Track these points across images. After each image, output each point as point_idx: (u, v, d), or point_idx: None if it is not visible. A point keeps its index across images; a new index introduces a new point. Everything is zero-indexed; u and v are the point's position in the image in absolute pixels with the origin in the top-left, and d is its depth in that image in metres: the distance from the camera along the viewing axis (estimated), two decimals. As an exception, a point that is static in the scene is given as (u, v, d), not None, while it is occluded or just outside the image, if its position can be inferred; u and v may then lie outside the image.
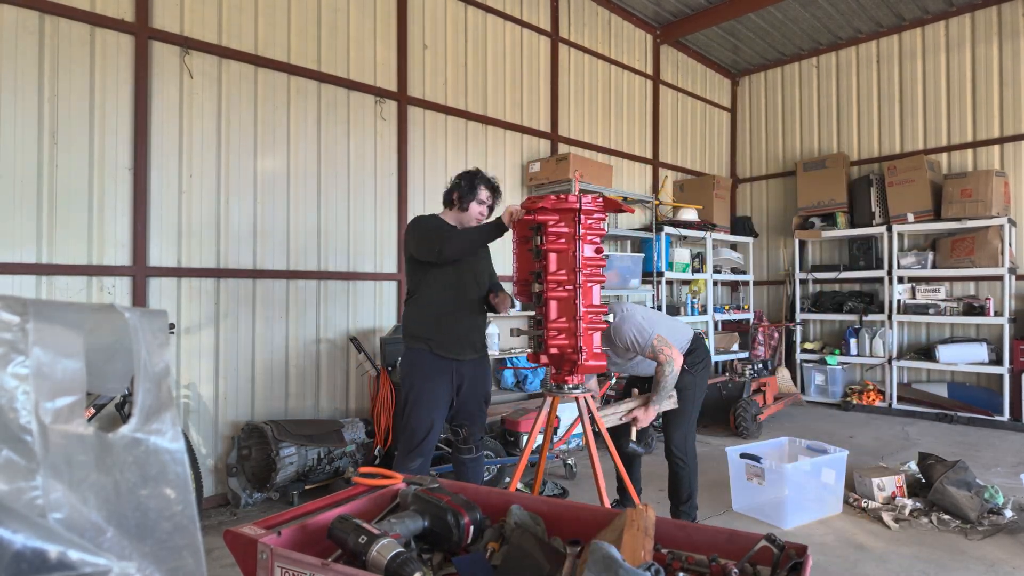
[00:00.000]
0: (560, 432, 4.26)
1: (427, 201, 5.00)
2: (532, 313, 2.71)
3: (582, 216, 2.56)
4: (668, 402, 3.11)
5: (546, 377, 3.66)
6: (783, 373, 6.92)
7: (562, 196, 2.54)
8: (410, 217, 4.85)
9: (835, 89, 7.57)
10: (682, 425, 3.23)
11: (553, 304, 2.57)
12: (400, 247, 4.80)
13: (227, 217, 3.92)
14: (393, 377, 4.14)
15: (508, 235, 2.78)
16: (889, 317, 6.63)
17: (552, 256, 2.55)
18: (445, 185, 3.16)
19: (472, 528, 1.36)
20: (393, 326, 4.56)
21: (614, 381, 4.41)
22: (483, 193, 3.04)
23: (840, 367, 7.00)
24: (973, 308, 6.22)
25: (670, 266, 6.58)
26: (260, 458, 3.78)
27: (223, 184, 3.91)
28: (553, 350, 2.58)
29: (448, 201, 3.06)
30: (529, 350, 2.75)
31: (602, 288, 2.73)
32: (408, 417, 2.91)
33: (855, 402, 6.78)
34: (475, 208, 3.03)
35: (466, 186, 3.00)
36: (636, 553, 1.16)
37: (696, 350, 3.30)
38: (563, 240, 2.55)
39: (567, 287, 2.55)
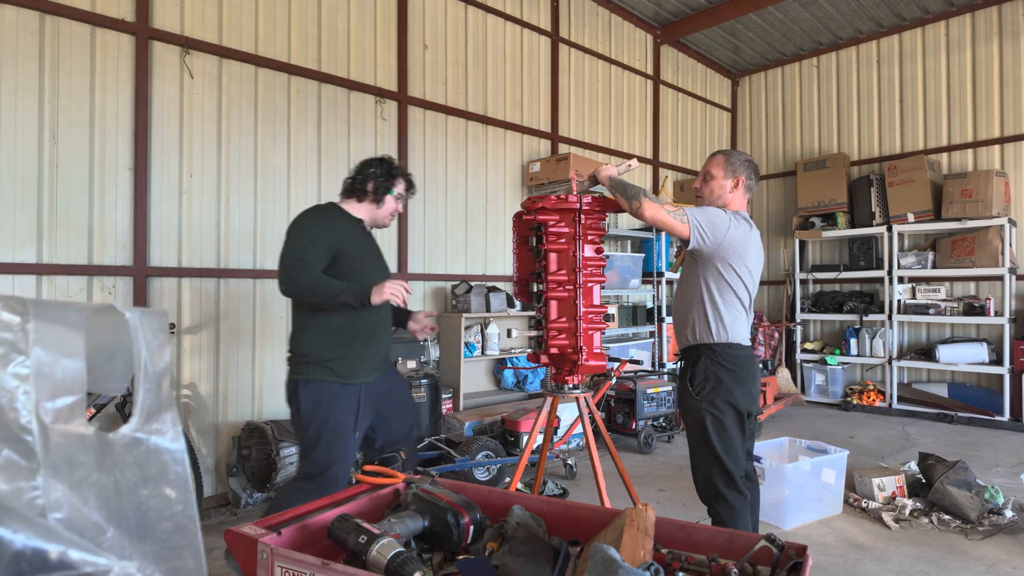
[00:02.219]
0: (560, 432, 4.27)
1: (427, 201, 5.00)
2: (531, 313, 2.71)
3: (582, 216, 2.56)
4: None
5: (546, 377, 3.67)
6: (783, 373, 6.92)
7: (562, 196, 2.54)
8: (410, 217, 4.86)
9: (835, 89, 7.57)
10: (698, 462, 2.45)
11: (553, 304, 2.57)
12: (401, 247, 4.80)
13: (228, 217, 3.92)
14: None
15: (508, 234, 2.77)
16: (889, 317, 6.62)
17: (552, 256, 2.55)
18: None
19: (472, 528, 1.36)
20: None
21: (614, 381, 4.41)
22: (400, 186, 2.62)
23: (840, 367, 7.00)
24: (973, 308, 6.22)
25: (670, 266, 6.58)
26: (260, 458, 3.78)
27: (223, 184, 3.91)
28: (553, 350, 2.58)
29: (359, 191, 2.55)
30: (529, 350, 2.75)
31: (602, 288, 2.73)
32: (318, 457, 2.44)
33: (855, 402, 6.78)
34: (390, 203, 2.60)
35: (383, 174, 2.55)
36: (636, 553, 1.16)
37: (703, 360, 2.39)
38: (563, 240, 2.56)
39: (567, 287, 2.55)
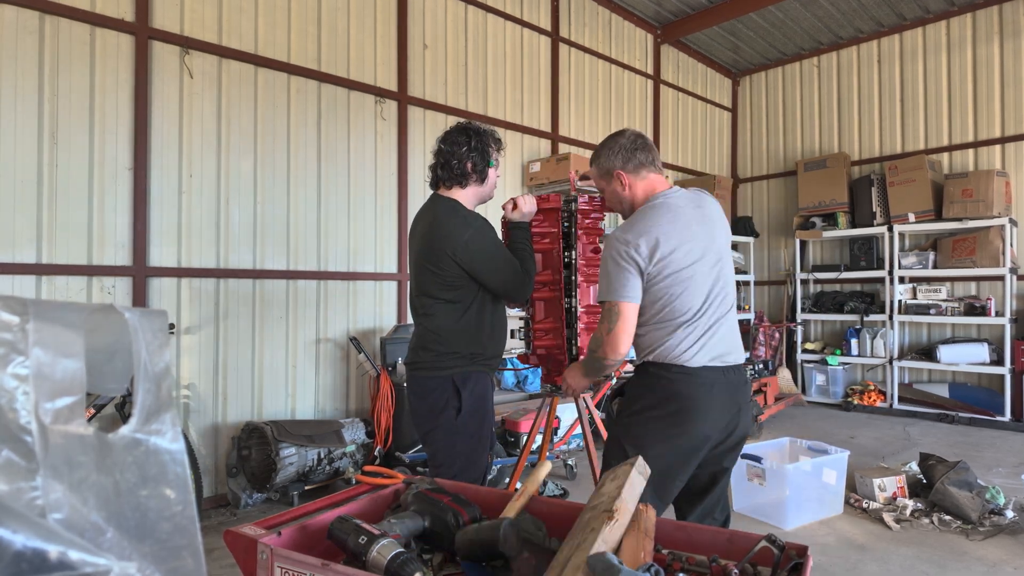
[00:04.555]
0: (560, 432, 4.26)
1: (428, 201, 5.00)
2: (521, 314, 2.71)
3: (579, 216, 2.56)
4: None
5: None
6: (784, 373, 6.92)
7: (544, 196, 2.55)
8: (410, 217, 4.86)
9: (836, 89, 7.57)
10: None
11: (539, 305, 2.57)
12: (402, 247, 4.80)
13: (227, 217, 3.92)
14: (393, 377, 4.15)
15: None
16: (890, 317, 6.62)
17: (536, 257, 2.54)
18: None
19: (472, 528, 1.36)
20: (394, 326, 4.56)
21: (614, 381, 4.41)
22: (495, 151, 2.37)
23: (841, 367, 7.00)
24: (974, 308, 6.22)
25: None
26: (260, 458, 3.78)
27: (223, 184, 3.91)
28: (540, 351, 2.58)
29: (459, 176, 2.27)
30: (518, 351, 2.74)
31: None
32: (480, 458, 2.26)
33: (856, 402, 6.77)
34: (493, 175, 2.36)
35: (479, 150, 2.29)
36: (636, 554, 1.16)
37: (652, 383, 1.89)
38: (547, 240, 2.55)
39: (552, 287, 2.54)
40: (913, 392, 6.58)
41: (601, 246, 2.64)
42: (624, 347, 1.87)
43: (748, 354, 7.04)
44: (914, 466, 3.99)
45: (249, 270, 4.00)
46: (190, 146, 3.78)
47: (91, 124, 3.43)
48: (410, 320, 4.78)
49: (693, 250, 1.87)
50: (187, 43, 3.73)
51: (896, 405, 6.56)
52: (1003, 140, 6.38)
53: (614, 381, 4.33)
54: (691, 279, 1.86)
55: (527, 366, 2.80)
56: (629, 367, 3.42)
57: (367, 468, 1.74)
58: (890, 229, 6.61)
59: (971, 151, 6.57)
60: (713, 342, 1.87)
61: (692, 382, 1.84)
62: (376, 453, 4.07)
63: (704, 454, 1.90)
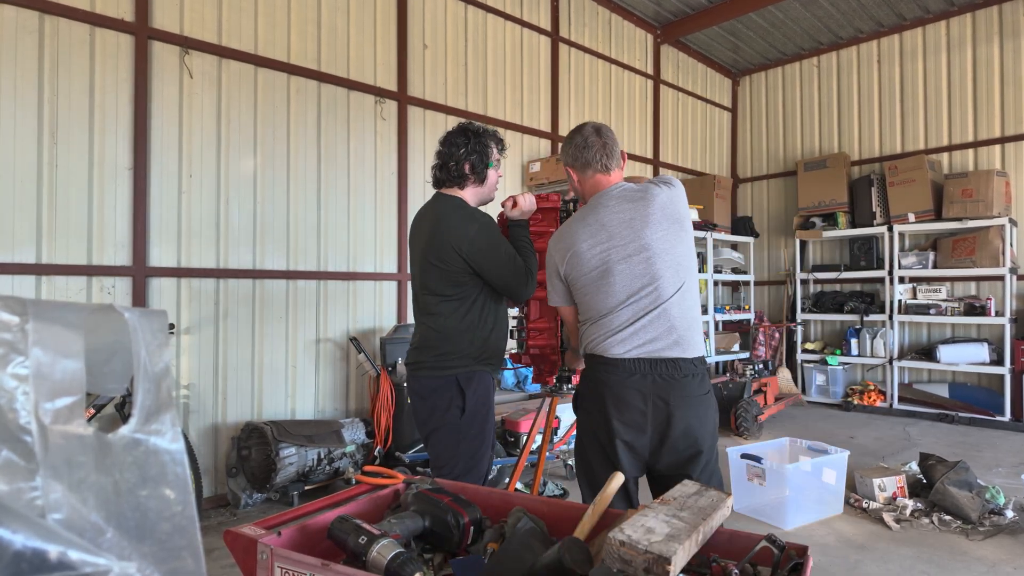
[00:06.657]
0: (560, 432, 4.26)
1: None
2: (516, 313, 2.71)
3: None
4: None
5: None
6: (784, 373, 6.92)
7: (543, 195, 2.55)
8: (411, 217, 4.86)
9: (836, 89, 7.57)
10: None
11: (534, 305, 2.57)
12: (402, 247, 4.80)
13: (227, 217, 3.92)
14: (393, 377, 4.15)
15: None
16: (890, 317, 6.62)
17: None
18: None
19: (472, 528, 1.36)
20: (394, 326, 4.56)
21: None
22: (495, 152, 2.36)
23: (841, 367, 7.00)
24: (974, 308, 6.22)
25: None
26: (260, 458, 3.78)
27: (223, 184, 3.91)
28: (533, 351, 2.58)
29: (457, 177, 2.28)
30: (513, 350, 2.74)
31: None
32: (482, 456, 2.28)
33: (856, 402, 6.77)
34: (493, 176, 2.36)
35: (478, 151, 2.29)
36: (637, 553, 1.16)
37: (591, 372, 1.99)
38: (545, 239, 2.54)
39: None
40: (913, 392, 6.58)
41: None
42: (575, 338, 2.20)
43: (748, 354, 7.04)
44: (914, 466, 3.99)
45: (249, 270, 4.00)
46: (190, 146, 3.78)
47: (91, 124, 3.43)
48: (410, 320, 4.79)
49: (609, 250, 1.91)
50: (187, 43, 3.73)
51: (896, 405, 6.56)
52: (1003, 140, 6.38)
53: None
54: (603, 279, 1.92)
55: (520, 366, 2.79)
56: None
57: (367, 468, 1.74)
58: (890, 229, 6.61)
59: (971, 151, 6.58)
60: (636, 336, 1.88)
61: (608, 369, 1.91)
62: (376, 453, 4.06)
63: (627, 452, 1.88)
